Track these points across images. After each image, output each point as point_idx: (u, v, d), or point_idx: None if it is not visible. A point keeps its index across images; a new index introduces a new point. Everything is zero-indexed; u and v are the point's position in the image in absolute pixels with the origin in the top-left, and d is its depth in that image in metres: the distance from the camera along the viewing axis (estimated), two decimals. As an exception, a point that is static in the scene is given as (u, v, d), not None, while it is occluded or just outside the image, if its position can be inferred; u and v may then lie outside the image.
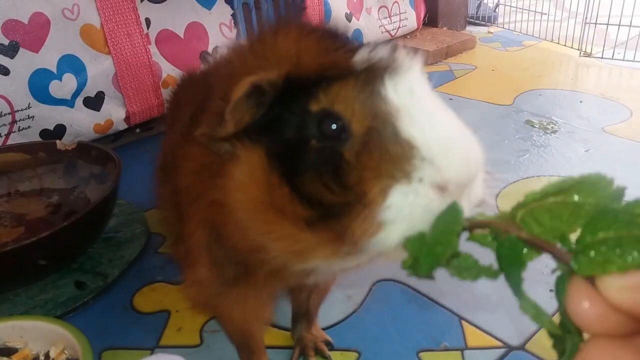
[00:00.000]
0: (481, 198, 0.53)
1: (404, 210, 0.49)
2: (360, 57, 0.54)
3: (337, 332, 1.04)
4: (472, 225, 0.43)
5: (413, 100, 0.52)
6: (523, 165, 1.61)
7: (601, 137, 1.76)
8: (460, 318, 1.07)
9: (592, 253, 0.34)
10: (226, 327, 0.90)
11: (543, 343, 1.00)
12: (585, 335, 0.36)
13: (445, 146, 0.49)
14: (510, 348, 1.00)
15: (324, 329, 1.04)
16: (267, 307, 0.84)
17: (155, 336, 1.05)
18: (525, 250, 0.39)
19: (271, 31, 0.60)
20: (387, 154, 0.50)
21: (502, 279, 0.40)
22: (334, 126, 0.53)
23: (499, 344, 1.01)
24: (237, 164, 0.58)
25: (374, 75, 0.53)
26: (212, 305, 0.82)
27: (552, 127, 1.84)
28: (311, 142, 0.54)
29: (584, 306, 0.33)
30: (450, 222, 0.44)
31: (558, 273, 0.37)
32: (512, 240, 0.39)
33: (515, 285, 0.38)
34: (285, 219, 0.55)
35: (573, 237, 0.37)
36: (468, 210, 0.50)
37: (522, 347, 1.00)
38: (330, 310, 1.08)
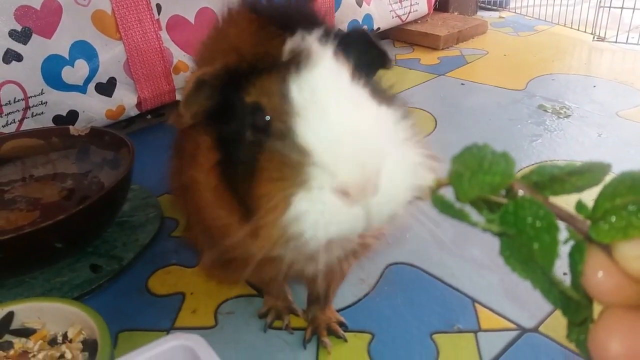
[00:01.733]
0: (408, 185, 0.50)
1: (314, 217, 0.48)
2: (290, 46, 0.54)
3: (351, 315, 1.04)
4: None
5: (312, 99, 0.52)
6: (536, 150, 1.60)
7: (615, 122, 1.75)
8: (474, 300, 1.07)
9: (613, 218, 0.33)
10: None
11: (557, 325, 1.00)
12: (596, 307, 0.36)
13: (336, 151, 0.48)
14: (523, 330, 1.00)
15: (337, 311, 1.05)
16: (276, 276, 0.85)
17: (170, 318, 1.06)
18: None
19: (228, 17, 0.64)
20: (288, 161, 0.50)
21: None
22: (258, 119, 0.54)
23: (513, 326, 1.01)
24: (199, 149, 0.62)
25: (294, 67, 0.53)
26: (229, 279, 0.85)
27: (565, 112, 1.83)
28: (247, 133, 0.56)
29: (600, 276, 0.33)
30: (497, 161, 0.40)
31: (571, 243, 0.36)
32: (534, 203, 0.37)
33: (546, 253, 0.36)
34: (225, 208, 0.58)
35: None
36: (385, 205, 0.49)
37: (535, 330, 1.00)
38: (344, 293, 1.08)
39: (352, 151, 0.49)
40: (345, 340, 0.99)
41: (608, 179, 0.36)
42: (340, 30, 0.62)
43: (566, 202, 0.37)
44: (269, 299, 1.04)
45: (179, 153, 0.78)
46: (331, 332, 1.00)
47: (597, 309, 0.36)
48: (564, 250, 0.37)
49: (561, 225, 0.36)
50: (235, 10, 0.65)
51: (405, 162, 0.51)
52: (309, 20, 0.60)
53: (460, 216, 0.41)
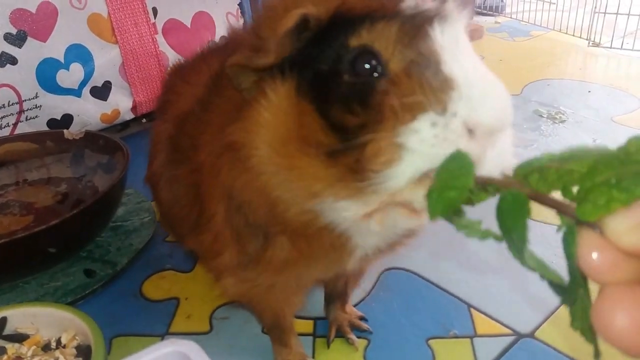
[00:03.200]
0: (506, 162, 0.50)
1: (429, 140, 0.47)
2: (409, 3, 0.53)
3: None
4: (476, 181, 0.42)
5: (457, 45, 0.51)
6: (531, 155, 1.60)
7: (610, 127, 1.75)
8: (469, 306, 1.07)
9: (594, 196, 0.33)
10: (258, 311, 0.90)
11: (552, 331, 1.00)
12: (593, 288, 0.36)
13: (485, 89, 0.49)
14: (519, 335, 1.00)
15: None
16: (299, 295, 0.84)
17: (165, 323, 1.05)
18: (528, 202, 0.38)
19: None
20: (425, 83, 0.49)
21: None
22: (368, 65, 0.52)
23: (508, 331, 1.01)
24: (262, 100, 0.57)
25: (421, 20, 0.52)
26: (248, 296, 0.81)
27: (560, 117, 1.83)
28: (344, 76, 0.53)
29: (595, 256, 0.33)
30: (462, 167, 0.43)
31: (563, 229, 0.36)
32: (514, 194, 0.38)
33: (519, 237, 0.37)
34: (307, 151, 0.54)
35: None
36: (491, 163, 0.49)
37: (531, 335, 1.00)
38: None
39: (499, 98, 0.49)
40: (371, 332, 1.00)
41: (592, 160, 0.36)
42: None
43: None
44: (280, 352, 0.94)
45: (192, 150, 0.73)
46: (354, 328, 1.00)
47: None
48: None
49: (552, 213, 0.36)
50: None
51: (512, 136, 0.53)
52: None
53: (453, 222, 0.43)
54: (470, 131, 0.48)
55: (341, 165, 0.52)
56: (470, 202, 0.42)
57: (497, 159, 0.49)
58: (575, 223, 0.35)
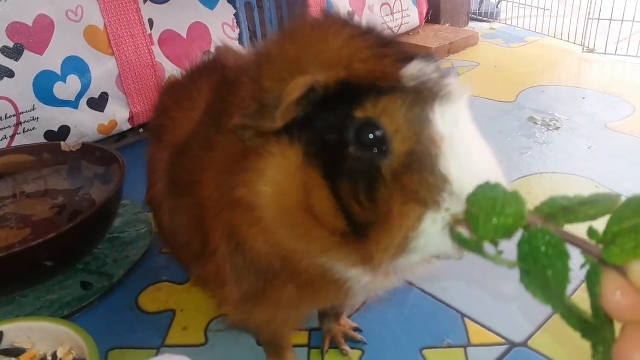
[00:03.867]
0: None
1: (432, 237, 0.52)
2: (410, 72, 0.55)
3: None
4: None
5: (457, 132, 0.53)
6: (526, 162, 1.61)
7: (604, 134, 1.76)
8: (463, 315, 1.07)
9: (622, 241, 0.35)
10: (255, 332, 0.92)
11: (545, 340, 1.00)
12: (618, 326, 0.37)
13: (474, 187, 0.50)
14: (512, 345, 1.00)
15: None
16: (298, 322, 0.85)
17: (160, 336, 1.06)
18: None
19: (318, 28, 0.60)
20: (424, 182, 0.52)
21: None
22: (371, 136, 0.54)
23: (502, 340, 1.01)
24: (270, 160, 0.58)
25: (423, 96, 0.54)
26: (248, 323, 0.82)
27: (555, 124, 1.84)
28: (350, 148, 0.55)
29: (618, 297, 0.34)
30: (508, 196, 0.44)
31: (587, 267, 0.38)
32: (545, 231, 0.39)
33: (559, 276, 0.38)
34: (321, 225, 0.57)
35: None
36: None
37: (524, 344, 1.00)
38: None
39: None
40: (365, 343, 1.01)
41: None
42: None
43: (578, 230, 0.39)
44: None
45: (196, 184, 0.73)
46: (348, 339, 1.01)
47: (618, 327, 0.37)
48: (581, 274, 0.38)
49: (576, 251, 0.38)
50: (324, 21, 0.61)
51: None
52: (402, 45, 0.61)
53: (477, 251, 0.45)
54: (459, 221, 0.51)
55: (351, 244, 0.57)
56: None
57: None
58: (599, 263, 0.36)
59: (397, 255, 0.54)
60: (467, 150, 0.52)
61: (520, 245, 0.41)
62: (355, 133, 0.54)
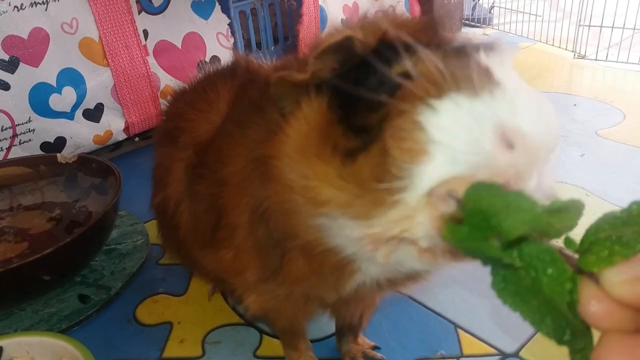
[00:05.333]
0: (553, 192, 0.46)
1: (460, 131, 0.41)
2: (458, 38, 0.52)
3: (331, 344, 1.06)
4: None
5: (503, 66, 0.47)
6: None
7: (595, 141, 1.78)
8: (456, 326, 1.09)
9: (597, 249, 0.37)
10: (272, 319, 0.91)
11: (537, 350, 1.02)
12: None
13: (532, 99, 0.43)
14: (504, 355, 1.02)
15: (319, 340, 1.07)
16: (312, 305, 0.83)
17: (158, 348, 1.07)
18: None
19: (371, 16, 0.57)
20: (459, 70, 0.44)
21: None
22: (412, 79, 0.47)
23: (494, 351, 1.03)
24: (296, 114, 0.57)
25: (467, 49, 0.49)
26: (268, 307, 0.81)
27: (547, 131, 1.86)
28: (381, 96, 0.49)
29: (593, 305, 0.36)
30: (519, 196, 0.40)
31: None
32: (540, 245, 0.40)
33: (560, 295, 0.39)
34: (324, 156, 0.52)
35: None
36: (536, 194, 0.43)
37: (516, 355, 1.02)
38: (327, 321, 1.10)
39: (546, 109, 0.44)
40: None
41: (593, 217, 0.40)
42: None
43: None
44: (291, 356, 0.97)
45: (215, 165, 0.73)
46: (368, 358, 1.01)
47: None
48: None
49: None
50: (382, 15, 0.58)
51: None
52: None
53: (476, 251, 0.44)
54: (509, 142, 0.41)
55: (357, 174, 0.49)
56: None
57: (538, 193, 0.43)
58: (576, 272, 0.38)
59: (408, 159, 0.44)
60: (518, 83, 0.45)
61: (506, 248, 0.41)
62: (385, 84, 0.49)
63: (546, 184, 0.45)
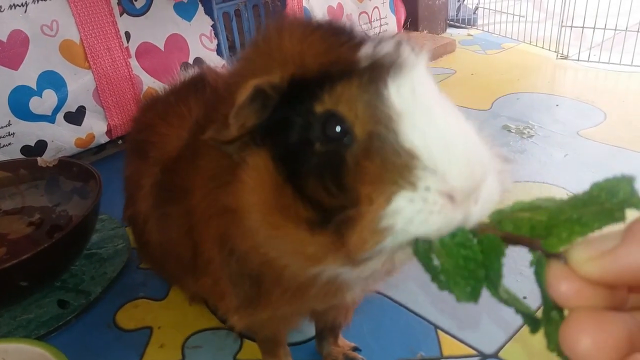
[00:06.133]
0: (497, 199, 0.51)
1: (414, 216, 0.47)
2: (365, 53, 0.53)
3: (311, 347, 1.06)
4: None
5: (415, 103, 0.50)
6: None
7: (576, 141, 1.80)
8: (436, 327, 1.10)
9: (558, 230, 0.39)
10: (255, 331, 0.93)
11: (515, 351, 1.03)
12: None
13: (447, 152, 0.48)
14: (484, 356, 1.03)
15: (299, 344, 1.07)
16: (297, 319, 0.87)
17: (138, 353, 1.07)
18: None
19: (276, 30, 0.59)
20: (390, 163, 0.49)
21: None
22: (338, 128, 0.52)
23: (473, 352, 1.04)
24: (245, 168, 0.58)
25: (378, 73, 0.51)
26: (252, 326, 0.83)
27: (529, 132, 1.88)
28: (315, 145, 0.53)
29: (562, 285, 0.36)
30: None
31: (534, 262, 0.41)
32: (490, 237, 0.44)
33: (495, 274, 0.44)
34: (289, 221, 0.54)
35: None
36: (479, 215, 0.48)
37: (495, 355, 1.03)
38: (307, 324, 1.10)
39: (464, 156, 0.48)
40: None
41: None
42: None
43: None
44: None
45: (185, 191, 0.73)
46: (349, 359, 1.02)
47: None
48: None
49: (524, 250, 0.42)
50: (282, 23, 0.60)
51: (497, 171, 0.52)
52: (359, 31, 0.59)
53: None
54: (450, 196, 0.47)
55: (327, 236, 0.52)
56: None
57: (483, 210, 0.49)
58: (545, 256, 0.39)
59: (377, 243, 0.49)
60: (428, 119, 0.49)
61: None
62: (319, 129, 0.53)
63: (489, 197, 0.50)
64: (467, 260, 0.45)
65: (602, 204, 0.39)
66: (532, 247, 0.41)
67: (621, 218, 0.37)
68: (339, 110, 0.52)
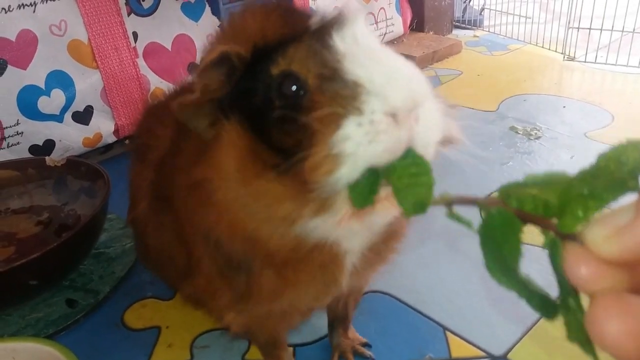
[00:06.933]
0: (447, 133, 0.57)
1: (362, 139, 0.51)
2: (314, 20, 0.59)
3: (324, 345, 1.06)
4: (457, 201, 0.44)
5: (357, 45, 0.56)
6: (507, 172, 1.64)
7: (584, 143, 1.79)
8: (445, 328, 1.10)
9: (571, 208, 0.36)
10: (254, 334, 0.93)
11: (524, 352, 1.03)
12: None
13: (388, 78, 0.52)
14: (492, 358, 1.03)
15: (309, 344, 1.07)
16: (295, 318, 0.87)
17: (146, 353, 1.07)
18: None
19: (239, 13, 0.64)
20: (337, 95, 0.53)
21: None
22: (294, 87, 0.56)
23: (482, 353, 1.04)
24: (217, 139, 0.61)
25: (324, 32, 0.57)
26: (249, 326, 0.83)
27: (536, 133, 1.87)
28: (275, 102, 0.57)
29: (582, 269, 0.34)
30: (417, 166, 0.51)
31: (548, 245, 0.38)
32: (502, 211, 0.40)
33: (512, 252, 0.40)
34: (258, 171, 0.57)
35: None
36: (424, 136, 0.53)
37: (504, 357, 1.02)
38: (317, 323, 1.10)
39: (404, 80, 0.53)
40: (373, 359, 1.03)
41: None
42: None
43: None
44: None
45: (170, 160, 0.76)
46: (357, 355, 1.03)
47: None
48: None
49: (535, 230, 0.39)
50: (244, 7, 0.65)
51: (438, 104, 0.57)
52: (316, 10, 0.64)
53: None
54: (394, 116, 0.51)
55: (293, 182, 0.55)
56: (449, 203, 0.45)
57: (427, 132, 0.54)
58: (559, 238, 0.37)
59: (331, 170, 0.52)
60: (370, 55, 0.54)
61: (480, 228, 0.41)
62: (276, 89, 0.57)
63: (433, 125, 0.55)
64: (417, 176, 0.49)
65: (612, 174, 0.36)
66: (545, 227, 0.38)
67: (635, 187, 0.35)
68: (292, 69, 0.57)
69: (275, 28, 0.60)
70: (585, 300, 0.37)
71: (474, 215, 0.42)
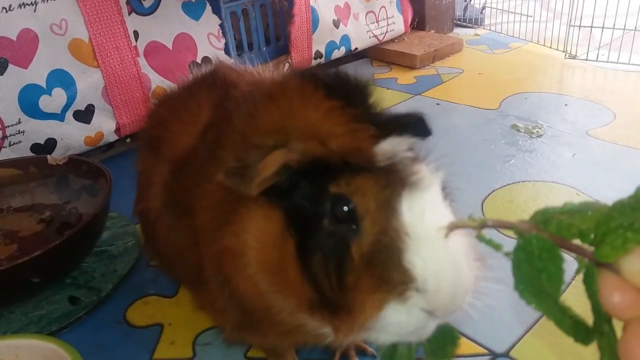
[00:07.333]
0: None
1: (394, 325, 0.57)
2: (383, 150, 0.58)
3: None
4: (492, 225, 0.45)
5: (422, 223, 0.56)
6: (509, 170, 1.64)
7: (585, 141, 1.79)
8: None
9: (611, 238, 0.36)
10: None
11: (527, 350, 1.03)
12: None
13: (439, 283, 0.55)
14: (495, 355, 1.02)
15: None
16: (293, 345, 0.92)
17: (148, 350, 1.07)
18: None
19: (301, 93, 0.61)
20: (388, 275, 0.56)
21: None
22: (345, 209, 0.57)
23: (484, 351, 1.03)
24: (252, 219, 0.63)
25: (394, 180, 0.58)
26: (248, 341, 0.87)
27: (538, 132, 1.87)
28: (324, 221, 0.58)
29: (616, 297, 0.35)
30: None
31: (583, 271, 0.39)
32: (539, 237, 0.41)
33: (552, 281, 0.40)
34: (291, 292, 0.61)
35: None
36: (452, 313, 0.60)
37: (506, 354, 1.02)
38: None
39: (454, 287, 0.56)
40: (374, 357, 1.03)
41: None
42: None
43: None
44: None
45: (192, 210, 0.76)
46: (359, 351, 1.03)
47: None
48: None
49: (569, 256, 0.40)
50: (307, 87, 0.61)
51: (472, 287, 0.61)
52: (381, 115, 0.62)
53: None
54: (431, 313, 0.57)
55: (320, 317, 0.61)
56: None
57: (456, 311, 0.61)
58: (595, 265, 0.38)
59: (358, 334, 0.59)
60: (431, 246, 0.55)
61: (515, 252, 0.42)
62: (330, 206, 0.58)
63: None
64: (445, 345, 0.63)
65: None
66: (581, 255, 0.39)
67: None
68: (353, 198, 0.58)
69: (339, 140, 0.57)
70: (618, 327, 0.38)
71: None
